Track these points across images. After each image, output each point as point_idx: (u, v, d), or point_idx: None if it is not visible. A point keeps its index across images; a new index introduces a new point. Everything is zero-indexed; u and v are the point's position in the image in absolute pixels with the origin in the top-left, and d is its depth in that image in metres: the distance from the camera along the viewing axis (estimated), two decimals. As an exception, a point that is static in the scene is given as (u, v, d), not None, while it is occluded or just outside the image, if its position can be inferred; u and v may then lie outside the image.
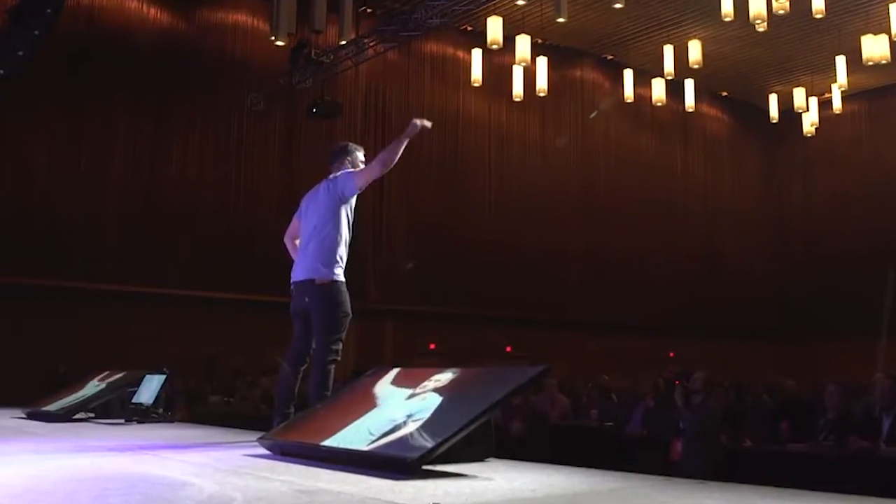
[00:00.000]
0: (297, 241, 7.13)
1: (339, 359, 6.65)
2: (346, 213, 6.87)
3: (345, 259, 6.81)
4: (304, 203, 7.14)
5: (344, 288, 6.73)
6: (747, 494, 3.86)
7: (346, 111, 21.83)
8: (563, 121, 27.80)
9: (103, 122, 20.49)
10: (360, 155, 7.19)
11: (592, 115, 27.78)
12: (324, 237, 6.76)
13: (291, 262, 7.10)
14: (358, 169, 6.93)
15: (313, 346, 6.83)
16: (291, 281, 6.93)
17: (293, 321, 6.95)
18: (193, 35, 22.13)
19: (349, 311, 6.70)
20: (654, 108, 24.88)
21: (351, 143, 7.28)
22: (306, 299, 6.73)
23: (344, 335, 6.70)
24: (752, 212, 31.81)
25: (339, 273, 6.74)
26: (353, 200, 6.94)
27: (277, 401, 6.85)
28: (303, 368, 6.88)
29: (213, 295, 20.18)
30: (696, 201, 30.60)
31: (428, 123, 6.98)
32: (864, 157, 30.38)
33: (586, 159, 28.04)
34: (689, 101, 23.40)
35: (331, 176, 7.00)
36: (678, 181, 30.33)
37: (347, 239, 6.88)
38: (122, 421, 8.52)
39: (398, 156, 6.81)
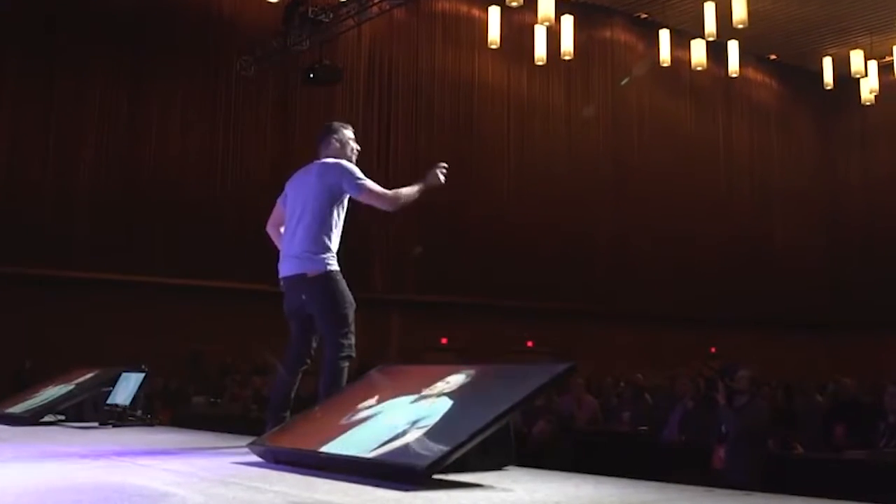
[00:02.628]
0: (283, 230, 7.11)
1: (353, 355, 6.62)
2: (339, 202, 6.85)
3: (336, 247, 6.79)
4: (289, 187, 7.10)
5: (340, 276, 6.72)
6: (799, 507, 3.84)
7: (347, 77, 21.78)
8: (591, 88, 27.76)
9: (75, 91, 20.48)
10: (348, 132, 7.18)
11: (624, 82, 27.73)
12: (312, 223, 6.71)
13: (277, 252, 7.09)
14: (367, 182, 6.83)
15: (313, 345, 6.85)
16: (280, 276, 6.91)
17: (288, 321, 6.95)
18: (175, -9, 22.13)
19: (352, 299, 6.70)
20: (693, 73, 24.84)
21: (336, 122, 7.26)
22: (303, 297, 6.71)
23: (353, 327, 6.69)
24: (803, 189, 31.73)
25: (333, 262, 6.72)
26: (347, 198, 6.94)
27: (272, 406, 6.83)
28: (302, 370, 6.87)
29: (198, 283, 20.19)
30: (740, 178, 30.55)
31: (442, 174, 6.99)
32: (930, 127, 30.33)
33: (617, 131, 28.00)
34: (733, 66, 23.34)
35: (325, 159, 6.96)
36: (720, 155, 30.28)
37: (339, 227, 6.86)
38: (95, 424, 8.50)
39: (411, 201, 6.96)
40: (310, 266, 6.66)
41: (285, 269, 6.85)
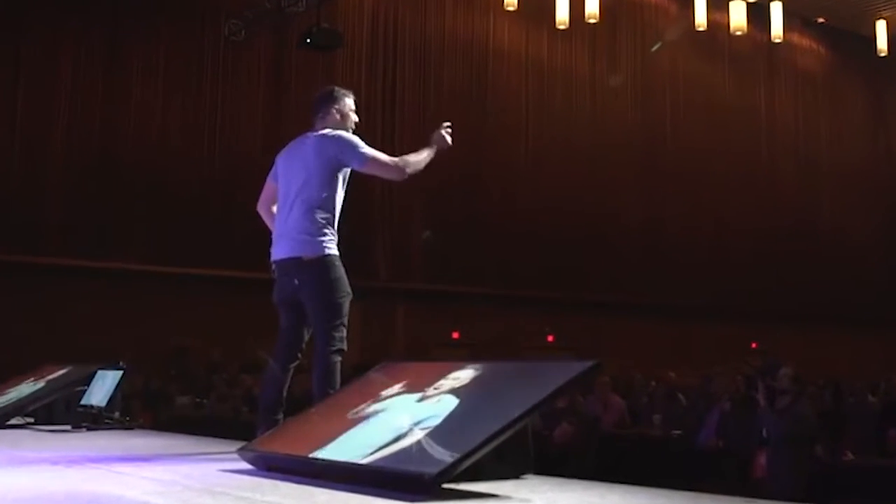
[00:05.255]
0: (276, 209, 7.10)
1: (344, 348, 6.66)
2: (339, 177, 6.85)
3: (335, 229, 6.80)
4: (280, 162, 7.10)
5: (339, 262, 6.73)
6: (850, 520, 3.84)
7: (347, 42, 21.71)
8: (618, 54, 27.70)
9: (44, 60, 20.43)
10: (350, 102, 7.16)
11: (655, 48, 27.66)
12: (310, 202, 6.71)
13: (270, 235, 7.09)
14: (371, 151, 6.84)
15: (305, 337, 6.86)
16: (272, 259, 6.92)
17: (279, 310, 6.95)
18: (156, -53, 22.07)
19: (348, 288, 6.71)
20: (732, 38, 24.80)
21: (338, 88, 7.25)
22: (295, 281, 6.71)
23: (346, 319, 6.70)
24: (854, 168, 31.62)
25: (332, 245, 6.72)
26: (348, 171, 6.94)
27: (262, 406, 6.84)
28: (294, 365, 6.88)
29: (182, 271, 20.17)
30: (784, 155, 30.48)
31: (448, 135, 7.15)
32: None
33: (647, 102, 27.94)
34: (776, 30, 23.30)
35: (321, 131, 6.95)
36: (762, 130, 30.20)
37: (339, 206, 6.86)
38: (68, 427, 8.51)
39: (421, 168, 6.98)
40: (306, 249, 6.68)
41: (278, 251, 6.86)
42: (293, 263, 6.72)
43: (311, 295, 6.71)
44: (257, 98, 22.39)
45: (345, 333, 6.69)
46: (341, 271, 6.71)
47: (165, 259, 20.20)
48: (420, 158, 6.91)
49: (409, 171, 6.85)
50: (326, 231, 6.72)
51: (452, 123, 7.16)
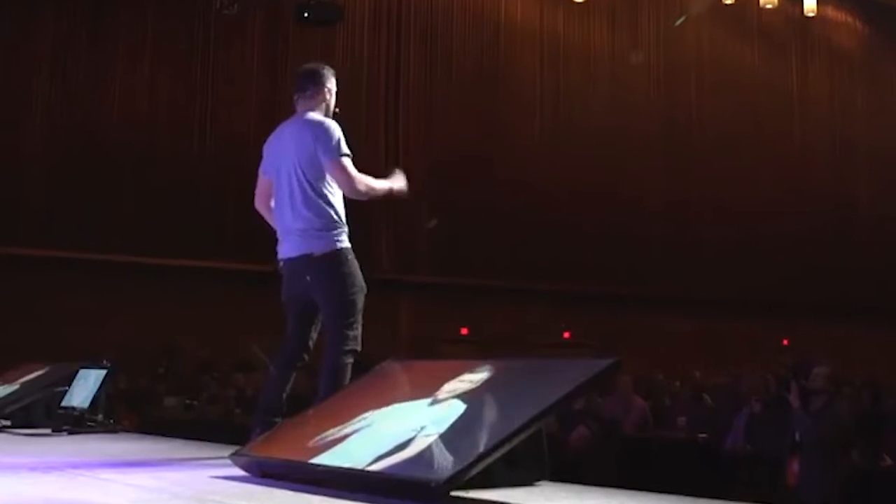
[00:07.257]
0: (273, 203, 7.07)
1: (357, 348, 6.68)
2: None
3: (343, 219, 6.78)
4: (268, 152, 7.08)
5: (351, 255, 6.73)
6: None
7: (347, 16, 21.72)
8: (639, 29, 27.66)
9: (24, 32, 20.42)
10: (333, 81, 7.13)
11: (679, 22, 27.61)
12: (308, 194, 6.69)
13: (269, 228, 7.07)
14: (344, 155, 6.76)
15: (314, 339, 6.87)
16: (280, 258, 6.91)
17: (286, 310, 6.95)
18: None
19: (362, 283, 6.71)
20: (762, 11, 24.74)
21: (324, 67, 7.21)
22: (307, 278, 6.71)
23: (360, 317, 6.70)
24: (894, 150, 31.54)
25: (343, 238, 6.72)
26: None
27: (260, 409, 6.83)
28: (299, 365, 6.87)
29: (171, 263, 20.14)
30: (818, 137, 30.41)
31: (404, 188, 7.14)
32: None
33: (671, 81, 27.90)
34: (810, 3, 23.24)
35: (307, 115, 6.91)
36: (794, 110, 30.14)
37: (340, 194, 6.85)
38: (48, 431, 8.51)
39: (373, 197, 7.03)
40: (317, 244, 6.68)
41: (286, 249, 6.86)
42: (303, 260, 6.73)
43: (322, 292, 6.73)
44: (251, 76, 22.34)
45: (358, 332, 6.70)
46: (355, 266, 6.72)
47: (153, 249, 20.14)
48: (378, 188, 6.92)
49: (364, 193, 6.83)
50: (336, 223, 6.72)
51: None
